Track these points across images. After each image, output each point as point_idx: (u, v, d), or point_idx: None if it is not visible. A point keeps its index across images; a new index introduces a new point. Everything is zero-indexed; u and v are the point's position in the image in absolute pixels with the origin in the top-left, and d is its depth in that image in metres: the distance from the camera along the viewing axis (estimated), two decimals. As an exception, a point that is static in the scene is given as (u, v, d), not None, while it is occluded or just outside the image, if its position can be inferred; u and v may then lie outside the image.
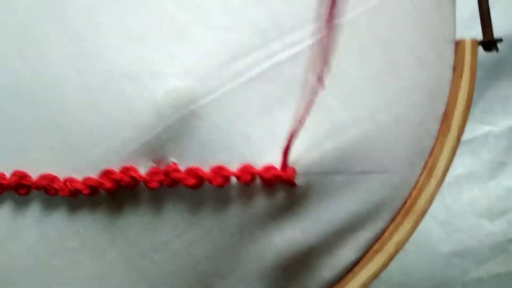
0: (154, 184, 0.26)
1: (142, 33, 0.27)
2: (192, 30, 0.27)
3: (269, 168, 0.26)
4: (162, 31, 0.27)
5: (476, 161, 0.57)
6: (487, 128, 0.57)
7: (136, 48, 0.26)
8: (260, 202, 0.26)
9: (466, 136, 0.56)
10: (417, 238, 0.50)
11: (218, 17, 0.27)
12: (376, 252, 0.30)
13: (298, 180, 0.26)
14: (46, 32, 0.26)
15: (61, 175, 0.26)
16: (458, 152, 0.57)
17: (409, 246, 0.49)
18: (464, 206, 0.54)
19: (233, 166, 0.26)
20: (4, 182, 0.26)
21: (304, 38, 0.28)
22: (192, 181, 0.26)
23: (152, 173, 0.26)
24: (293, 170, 0.26)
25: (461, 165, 0.56)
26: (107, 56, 0.26)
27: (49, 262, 0.27)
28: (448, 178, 0.54)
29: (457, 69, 0.31)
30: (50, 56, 0.26)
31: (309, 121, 0.27)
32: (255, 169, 0.26)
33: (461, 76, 0.31)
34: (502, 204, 0.55)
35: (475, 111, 0.57)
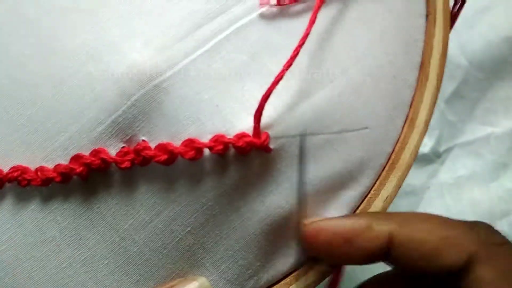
0: (126, 164, 0.25)
1: (97, 7, 0.26)
2: (149, 1, 0.26)
3: (242, 135, 0.25)
4: (117, 5, 0.26)
5: (478, 162, 0.56)
6: (489, 129, 0.56)
7: (92, 23, 0.26)
8: (237, 171, 0.26)
9: (467, 137, 0.56)
10: None
11: None
12: (364, 210, 0.29)
13: (273, 145, 0.26)
14: (1, 19, 0.26)
15: (33, 165, 0.26)
16: (459, 153, 0.56)
17: None
18: (465, 207, 0.53)
19: (206, 138, 0.25)
20: (-25, 177, 0.26)
21: (265, -1, 0.27)
22: (163, 157, 0.25)
23: (123, 153, 0.25)
24: (267, 135, 0.25)
25: (462, 166, 0.55)
26: (63, 35, 0.26)
27: (30, 253, 0.26)
28: (449, 179, 0.53)
29: (429, 15, 0.30)
30: (14, 46, 0.26)
31: (280, 83, 0.26)
32: (227, 138, 0.25)
33: (434, 22, 0.30)
34: (503, 206, 0.54)
35: (476, 112, 0.56)
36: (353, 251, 0.26)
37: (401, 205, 0.51)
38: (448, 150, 0.57)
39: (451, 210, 0.54)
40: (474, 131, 0.57)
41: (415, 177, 0.56)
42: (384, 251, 0.26)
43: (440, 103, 0.58)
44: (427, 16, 0.30)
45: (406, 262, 0.26)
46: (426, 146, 0.55)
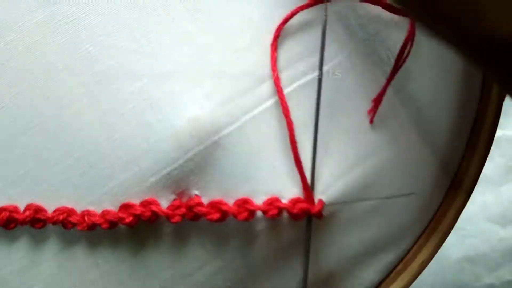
0: (177, 219, 0.25)
1: (159, 54, 0.25)
2: (212, 51, 0.25)
3: (297, 201, 0.25)
4: (180, 52, 0.25)
5: (489, 165, 0.55)
6: (499, 132, 0.56)
7: (152, 71, 0.25)
8: (286, 234, 0.26)
9: None
10: None
11: (240, 36, 0.26)
12: (399, 273, 0.29)
13: (325, 211, 0.25)
14: (60, 56, 0.25)
15: (79, 207, 0.25)
16: None
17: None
18: (476, 211, 0.53)
19: (259, 198, 0.25)
20: (18, 216, 0.25)
21: (332, 55, 0.26)
22: (216, 215, 0.25)
23: (174, 206, 0.25)
24: (322, 203, 0.25)
25: None
26: (123, 81, 0.25)
27: None
28: None
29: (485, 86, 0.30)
30: (66, 84, 0.25)
31: (339, 148, 0.26)
32: (281, 203, 0.25)
33: (490, 96, 0.29)
34: None
35: None
36: None
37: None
38: None
39: (462, 213, 0.54)
40: None
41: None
42: None
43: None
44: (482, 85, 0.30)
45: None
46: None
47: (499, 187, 0.54)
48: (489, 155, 0.57)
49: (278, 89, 0.25)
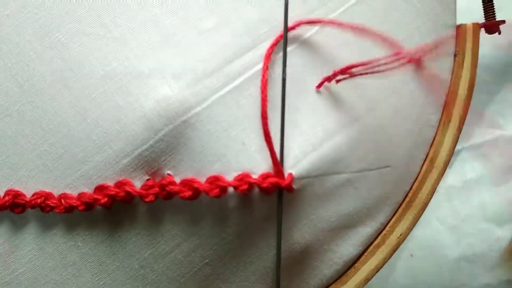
0: (150, 198, 0.25)
1: (127, 38, 0.26)
2: (178, 32, 0.26)
3: (267, 176, 0.25)
4: (148, 36, 0.26)
5: (486, 165, 0.56)
6: (497, 132, 0.56)
7: (121, 55, 0.25)
8: (258, 209, 0.26)
9: (476, 140, 0.56)
10: (426, 243, 0.49)
11: (206, 17, 0.26)
12: (378, 246, 0.30)
13: (296, 185, 0.26)
14: (32, 43, 0.25)
15: (56, 191, 0.26)
16: (468, 156, 0.56)
17: (417, 251, 0.49)
18: (474, 210, 0.54)
19: (230, 175, 0.26)
20: (-2, 201, 0.26)
21: (296, 35, 0.27)
22: (188, 193, 0.25)
23: (147, 186, 0.25)
24: (291, 177, 0.25)
25: (471, 169, 0.55)
26: (92, 65, 0.25)
27: (50, 276, 0.27)
28: (458, 182, 0.54)
29: (458, 55, 0.30)
30: (39, 72, 0.25)
31: (307, 124, 0.26)
32: (252, 178, 0.25)
33: (462, 63, 0.30)
34: (511, 209, 0.54)
35: (485, 115, 0.56)
36: None
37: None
38: (456, 153, 0.57)
39: (459, 213, 0.54)
40: (482, 134, 0.57)
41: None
42: None
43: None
44: (455, 55, 0.30)
45: None
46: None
47: (497, 187, 0.55)
48: (487, 155, 0.57)
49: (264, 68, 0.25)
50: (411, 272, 0.49)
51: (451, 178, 0.56)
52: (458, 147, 0.58)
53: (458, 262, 0.52)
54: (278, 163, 0.25)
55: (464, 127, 0.59)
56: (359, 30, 0.25)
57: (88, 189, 0.26)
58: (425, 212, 0.55)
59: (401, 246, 0.53)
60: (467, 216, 0.53)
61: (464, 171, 0.55)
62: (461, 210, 0.54)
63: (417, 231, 0.55)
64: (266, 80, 0.24)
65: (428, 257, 0.50)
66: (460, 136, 0.59)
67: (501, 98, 0.59)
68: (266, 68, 0.25)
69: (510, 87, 0.59)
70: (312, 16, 0.27)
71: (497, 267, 0.52)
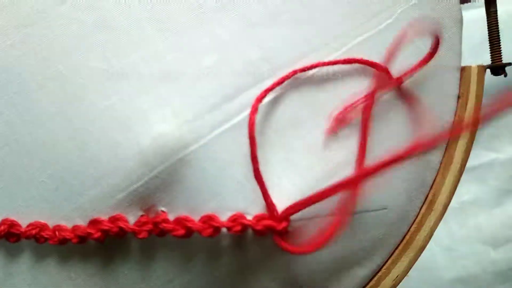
0: (143, 234, 0.25)
1: (128, 73, 0.26)
2: (180, 69, 0.26)
3: (261, 218, 0.25)
4: (148, 70, 0.26)
5: (482, 188, 0.56)
6: (493, 155, 0.57)
7: (121, 90, 0.25)
8: (252, 250, 0.26)
9: (472, 162, 0.56)
10: (421, 264, 0.49)
11: (206, 54, 0.26)
12: (373, 288, 0.29)
13: (291, 226, 0.26)
14: (34, 75, 0.25)
15: (51, 222, 0.26)
16: (464, 178, 0.56)
17: (413, 271, 0.49)
18: (469, 232, 0.54)
19: (225, 214, 0.26)
20: (-7, 230, 0.26)
21: (299, 73, 0.27)
22: (181, 231, 0.25)
23: (141, 223, 0.25)
24: (286, 220, 0.25)
25: (467, 191, 0.55)
26: (92, 98, 0.25)
27: None
28: (454, 204, 0.54)
29: (462, 97, 0.30)
30: (39, 103, 0.25)
31: (303, 163, 0.26)
32: (246, 219, 0.25)
33: (465, 105, 0.29)
34: (506, 231, 0.55)
35: (481, 138, 0.56)
36: None
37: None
38: None
39: (455, 234, 0.54)
40: (478, 157, 0.58)
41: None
42: None
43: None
44: (458, 97, 0.30)
45: None
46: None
47: (492, 209, 0.55)
48: (483, 178, 0.58)
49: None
50: None
51: (448, 199, 0.56)
52: None
53: (453, 283, 0.52)
54: (272, 206, 0.25)
55: None
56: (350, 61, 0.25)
57: (83, 222, 0.26)
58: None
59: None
60: (463, 237, 0.53)
61: (460, 193, 0.55)
62: (457, 232, 0.55)
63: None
64: (253, 123, 0.24)
65: (424, 277, 0.50)
66: None
67: (497, 122, 0.59)
68: (254, 111, 0.25)
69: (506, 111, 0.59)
70: (312, 55, 0.27)
71: None
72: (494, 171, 0.58)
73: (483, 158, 0.57)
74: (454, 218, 0.55)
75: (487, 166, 0.58)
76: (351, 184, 0.24)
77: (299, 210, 0.25)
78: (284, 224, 0.25)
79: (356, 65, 0.27)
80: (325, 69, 0.27)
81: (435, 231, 0.53)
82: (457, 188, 0.50)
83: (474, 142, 0.56)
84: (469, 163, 0.59)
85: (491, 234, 0.54)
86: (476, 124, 0.29)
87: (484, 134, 0.58)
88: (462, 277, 0.52)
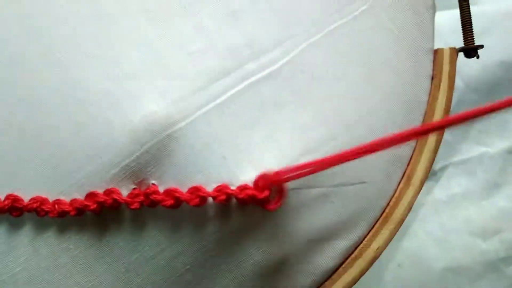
0: (135, 205, 0.27)
1: (120, 58, 0.28)
2: (168, 54, 0.28)
3: (244, 187, 0.27)
4: (139, 56, 0.28)
5: (472, 181, 0.58)
6: (483, 149, 0.59)
7: (114, 73, 0.28)
8: (236, 219, 0.28)
9: (462, 156, 0.59)
10: (413, 254, 0.52)
11: (193, 41, 0.28)
12: (355, 259, 0.31)
13: (272, 196, 0.28)
14: (34, 62, 0.28)
15: (51, 197, 0.28)
16: (454, 172, 0.59)
17: (405, 261, 0.52)
18: (459, 224, 0.56)
19: (211, 186, 0.27)
20: (-2, 205, 0.28)
21: (278, 57, 0.29)
22: (170, 201, 0.27)
23: (133, 195, 0.27)
24: (268, 191, 0.27)
25: (457, 184, 0.57)
26: (88, 82, 0.28)
27: (43, 276, 0.29)
28: (445, 197, 0.56)
29: (435, 78, 0.31)
30: (39, 89, 0.28)
31: (285, 140, 0.28)
32: (230, 189, 0.27)
33: (439, 86, 0.31)
34: (495, 224, 0.56)
35: (471, 132, 0.59)
36: None
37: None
38: (443, 169, 0.59)
39: (445, 227, 0.56)
40: (468, 151, 0.60)
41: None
42: None
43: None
44: (432, 78, 0.32)
45: None
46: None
47: (482, 202, 0.57)
48: (473, 171, 0.59)
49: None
50: (399, 282, 0.51)
51: (438, 192, 0.58)
52: (445, 162, 0.61)
53: (444, 273, 0.53)
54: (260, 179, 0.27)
55: (451, 144, 0.61)
56: None
57: (80, 196, 0.28)
58: (412, 225, 0.57)
59: (389, 257, 0.54)
60: (453, 229, 0.55)
61: (450, 186, 0.57)
62: (448, 224, 0.56)
63: (405, 242, 0.56)
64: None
65: (415, 267, 0.52)
66: (447, 152, 0.62)
67: (487, 117, 0.60)
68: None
69: None
70: (291, 40, 0.29)
71: (480, 279, 0.54)
72: (483, 165, 0.60)
73: (473, 152, 0.59)
74: (445, 211, 0.57)
75: (477, 160, 0.59)
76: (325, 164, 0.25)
77: (280, 181, 0.27)
78: (265, 193, 0.27)
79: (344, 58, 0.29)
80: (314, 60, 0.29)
81: (427, 223, 0.55)
82: (448, 181, 0.53)
83: (465, 136, 0.58)
84: (460, 157, 0.61)
85: (481, 226, 0.56)
86: (449, 102, 0.31)
87: (474, 129, 0.60)
88: (453, 267, 0.53)
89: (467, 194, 0.57)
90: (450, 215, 0.56)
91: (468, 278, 0.54)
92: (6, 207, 0.28)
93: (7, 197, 0.28)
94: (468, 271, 0.54)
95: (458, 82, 0.59)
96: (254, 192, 0.27)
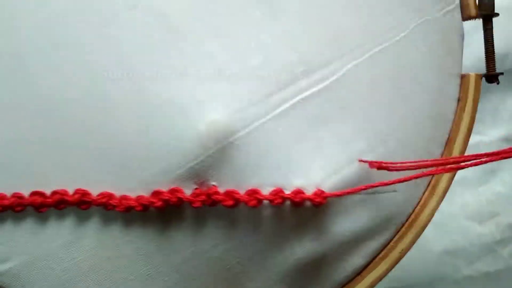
0: (197, 204, 0.30)
1: (188, 70, 0.31)
2: (230, 68, 0.31)
3: (298, 192, 0.30)
4: (204, 69, 0.31)
5: (468, 168, 0.63)
6: (478, 138, 0.63)
7: (183, 84, 0.30)
8: (288, 220, 0.31)
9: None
10: None
11: (253, 56, 0.31)
12: (382, 258, 0.35)
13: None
14: (107, 73, 0.30)
15: (117, 193, 0.31)
16: None
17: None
18: (457, 209, 0.59)
19: (266, 189, 0.31)
20: (68, 198, 0.30)
21: (327, 75, 0.32)
22: (230, 202, 0.30)
23: (196, 194, 0.30)
24: (322, 193, 0.30)
25: None
26: (158, 90, 0.30)
27: (104, 265, 0.31)
28: None
29: (461, 100, 0.35)
30: (111, 97, 0.30)
31: (330, 151, 0.31)
32: (285, 193, 0.30)
33: (464, 107, 0.35)
34: (491, 208, 0.60)
35: None
36: None
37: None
38: None
39: (444, 211, 0.60)
40: None
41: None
42: None
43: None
44: (459, 100, 0.35)
45: None
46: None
47: (478, 187, 0.61)
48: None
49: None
50: (398, 264, 0.56)
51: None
52: None
53: (442, 255, 0.57)
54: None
55: None
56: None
57: (145, 193, 0.31)
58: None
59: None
60: (451, 214, 0.59)
61: None
62: (446, 209, 0.61)
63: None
64: None
65: (415, 250, 0.56)
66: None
67: (482, 107, 0.65)
68: None
69: (490, 97, 0.66)
70: (339, 60, 0.32)
71: (477, 260, 0.58)
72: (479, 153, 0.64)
73: (470, 140, 0.64)
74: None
75: (473, 148, 0.64)
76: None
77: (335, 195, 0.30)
78: (321, 198, 0.30)
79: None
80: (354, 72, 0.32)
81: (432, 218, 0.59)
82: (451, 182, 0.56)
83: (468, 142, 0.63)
84: None
85: (477, 210, 0.60)
86: (472, 122, 0.35)
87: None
88: (451, 249, 0.57)
89: (464, 181, 0.61)
90: (448, 201, 0.60)
91: (465, 260, 0.58)
92: (76, 200, 0.30)
93: (76, 191, 0.30)
94: (465, 253, 0.58)
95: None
96: (310, 196, 0.30)
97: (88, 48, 0.30)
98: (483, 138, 0.63)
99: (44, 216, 0.31)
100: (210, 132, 0.30)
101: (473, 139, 0.65)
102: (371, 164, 0.31)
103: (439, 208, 0.52)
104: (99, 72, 0.30)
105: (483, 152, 0.62)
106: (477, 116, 0.65)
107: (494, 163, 0.61)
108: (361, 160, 0.32)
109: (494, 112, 0.65)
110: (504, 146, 0.66)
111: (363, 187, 0.30)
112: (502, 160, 0.61)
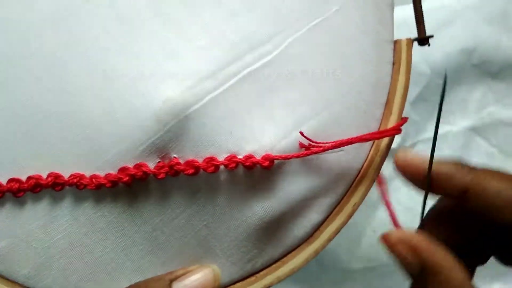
0: (162, 176, 0.33)
1: (142, 54, 0.34)
2: (180, 50, 0.34)
3: (249, 157, 0.34)
4: (156, 51, 0.34)
5: (437, 156, 0.68)
6: (447, 128, 0.69)
7: (139, 67, 0.33)
8: (243, 182, 0.34)
9: (429, 134, 0.69)
10: (386, 221, 0.59)
11: (201, 38, 0.34)
12: (337, 213, 0.38)
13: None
14: (75, 61, 0.33)
15: (88, 173, 0.33)
16: (422, 147, 0.68)
17: (379, 227, 0.59)
18: None
19: (221, 157, 0.34)
20: (42, 182, 0.33)
21: (270, 49, 0.35)
22: (190, 170, 0.33)
23: (159, 167, 0.33)
24: (270, 157, 0.33)
25: None
26: (117, 75, 0.33)
27: (82, 240, 0.34)
28: None
29: (395, 64, 0.39)
30: (76, 82, 0.33)
31: (279, 118, 0.35)
32: (238, 158, 0.33)
33: (399, 70, 0.38)
34: None
35: (436, 112, 0.69)
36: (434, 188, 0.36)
37: (372, 190, 0.62)
38: (413, 145, 0.68)
39: (415, 196, 0.64)
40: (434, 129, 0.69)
41: (384, 168, 0.67)
42: (460, 196, 0.34)
43: (406, 105, 0.69)
44: (393, 64, 0.39)
45: (478, 210, 0.32)
46: (394, 142, 0.66)
47: None
48: (438, 147, 0.69)
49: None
50: (374, 247, 0.59)
51: (409, 166, 0.66)
52: (414, 140, 0.70)
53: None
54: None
55: (419, 123, 0.70)
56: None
57: (113, 171, 0.33)
58: (386, 194, 0.64)
59: (366, 225, 0.62)
60: (421, 199, 0.63)
61: None
62: (416, 194, 0.64)
63: (379, 212, 0.64)
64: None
65: (386, 229, 0.60)
66: (416, 130, 0.70)
67: (451, 99, 0.70)
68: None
69: (458, 89, 0.70)
70: (280, 35, 0.35)
71: None
72: (448, 141, 0.69)
73: (439, 130, 0.68)
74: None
75: (442, 137, 0.69)
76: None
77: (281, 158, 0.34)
78: (269, 160, 0.33)
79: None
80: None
81: (398, 194, 0.63)
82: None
83: (431, 116, 0.67)
84: (427, 135, 0.71)
85: None
86: (407, 83, 0.38)
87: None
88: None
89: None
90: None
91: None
92: (49, 183, 0.33)
93: (49, 175, 0.33)
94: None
95: (425, 68, 0.67)
96: (260, 160, 0.33)
97: (49, 42, 0.33)
98: (452, 128, 0.68)
99: (21, 200, 0.33)
100: (166, 108, 0.33)
101: (443, 128, 0.69)
102: (301, 144, 0.35)
103: (410, 194, 0.56)
104: (61, 62, 0.33)
105: (450, 142, 0.67)
106: (446, 107, 0.70)
107: (461, 151, 0.66)
108: (301, 133, 0.35)
109: (462, 103, 0.70)
110: (471, 135, 0.70)
111: (304, 153, 0.33)
112: (469, 149, 0.66)
